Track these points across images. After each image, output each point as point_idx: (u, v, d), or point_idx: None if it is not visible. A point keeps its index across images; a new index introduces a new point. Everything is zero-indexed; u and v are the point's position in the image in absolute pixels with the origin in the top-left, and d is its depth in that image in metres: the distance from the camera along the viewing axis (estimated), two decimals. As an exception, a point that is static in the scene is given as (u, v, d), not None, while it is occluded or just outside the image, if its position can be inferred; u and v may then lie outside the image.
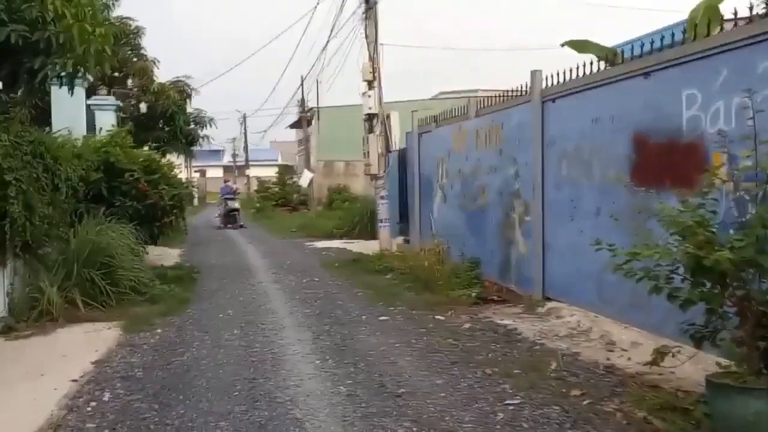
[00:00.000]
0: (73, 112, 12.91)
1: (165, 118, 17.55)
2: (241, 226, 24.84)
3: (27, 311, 7.84)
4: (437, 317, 7.71)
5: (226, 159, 74.09)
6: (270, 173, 47.85)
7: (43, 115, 13.10)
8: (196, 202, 50.38)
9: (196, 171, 62.95)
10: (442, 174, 11.47)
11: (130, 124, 16.40)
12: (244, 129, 52.55)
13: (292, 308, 8.69)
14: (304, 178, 25.72)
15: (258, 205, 33.81)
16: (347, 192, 31.25)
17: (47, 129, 10.78)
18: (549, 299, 7.75)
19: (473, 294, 8.51)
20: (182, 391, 5.30)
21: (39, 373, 5.84)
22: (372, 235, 17.91)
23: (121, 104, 16.73)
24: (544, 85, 7.93)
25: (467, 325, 7.26)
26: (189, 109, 18.62)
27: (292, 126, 39.61)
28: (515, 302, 8.20)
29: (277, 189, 36.34)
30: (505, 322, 7.24)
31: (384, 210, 13.36)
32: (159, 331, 7.50)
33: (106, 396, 5.27)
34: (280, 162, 63.46)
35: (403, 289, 9.70)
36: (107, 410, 4.94)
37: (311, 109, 27.26)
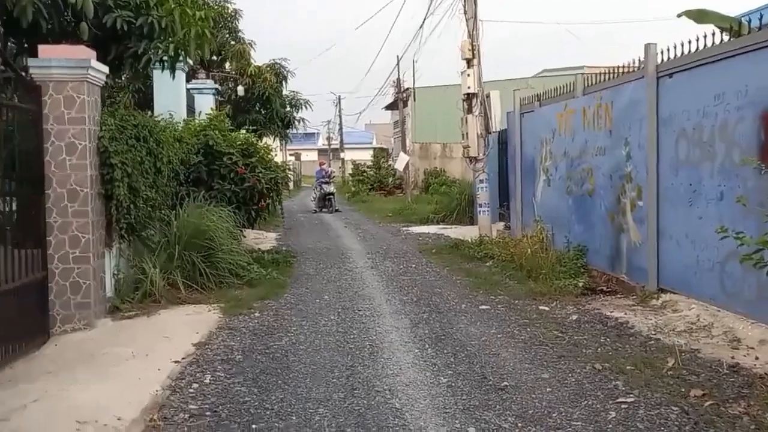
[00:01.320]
0: (174, 96, 13.25)
1: (261, 101, 17.79)
2: (336, 210, 25.04)
3: (131, 292, 8.04)
4: (541, 308, 7.36)
5: (321, 142, 75.14)
6: (364, 156, 48.20)
7: (145, 100, 13.51)
8: (291, 185, 51.51)
9: (291, 154, 64.26)
10: (545, 156, 10.97)
11: (228, 108, 16.76)
12: (339, 111, 53.01)
13: (389, 295, 8.54)
14: (400, 162, 25.57)
15: (353, 188, 34.08)
16: (444, 175, 30.91)
17: (149, 113, 11.07)
18: (664, 291, 7.19)
19: (580, 284, 8.06)
20: (281, 376, 5.26)
21: (144, 353, 5.94)
22: (470, 220, 17.62)
23: (219, 88, 17.10)
24: (659, 60, 7.32)
25: (574, 317, 6.87)
26: (285, 92, 18.81)
27: (388, 107, 39.54)
28: (626, 293, 7.71)
29: (372, 172, 36.46)
30: (616, 314, 6.80)
31: (483, 194, 12.98)
32: (257, 315, 7.53)
33: (207, 378, 5.30)
34: (374, 145, 63.85)
35: (504, 277, 9.35)
36: (208, 392, 4.96)
37: (407, 89, 26.94)
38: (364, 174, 37.03)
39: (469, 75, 12.38)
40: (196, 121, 12.27)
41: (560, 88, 10.44)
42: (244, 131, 12.25)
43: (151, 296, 8.07)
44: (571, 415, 4.22)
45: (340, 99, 56.97)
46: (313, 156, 67.13)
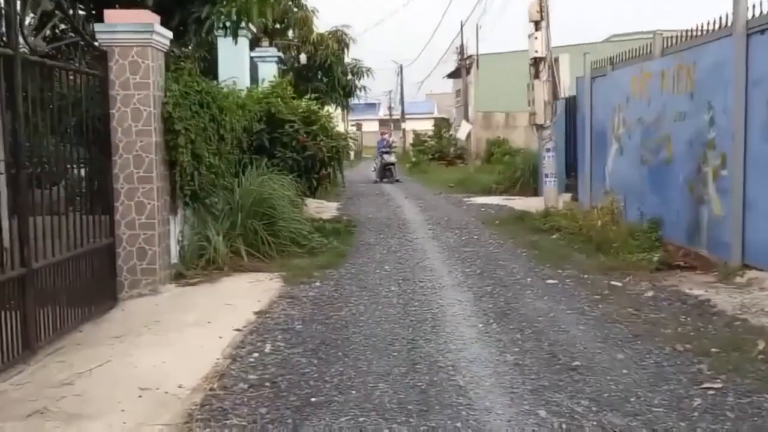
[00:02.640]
0: (238, 64, 13.21)
1: (323, 69, 17.66)
2: (397, 180, 24.85)
3: (196, 259, 8.08)
4: (613, 283, 6.97)
5: (382, 112, 74.81)
6: (426, 126, 47.67)
7: (210, 68, 13.54)
8: (352, 155, 51.52)
9: (352, 124, 64.24)
10: (618, 123, 10.44)
11: (290, 75, 16.70)
12: (400, 81, 52.55)
13: (451, 266, 8.32)
14: (462, 131, 25.07)
15: (414, 159, 33.73)
16: (507, 145, 30.25)
17: (214, 81, 11.06)
18: (749, 267, 6.70)
19: (654, 258, 7.58)
20: (341, 348, 5.15)
21: (206, 320, 5.94)
22: (534, 191, 17.16)
23: (282, 55, 17.02)
24: (750, 15, 6.75)
25: (650, 293, 6.47)
26: (346, 60, 18.61)
27: (450, 76, 38.84)
28: (706, 269, 7.21)
29: (432, 142, 36.02)
30: (696, 291, 6.36)
31: (550, 164, 12.54)
32: (317, 284, 7.44)
33: (268, 348, 5.23)
34: (435, 115, 63.16)
35: (572, 250, 8.94)
36: (268, 362, 4.89)
37: (470, 56, 26.26)
38: (425, 144, 36.61)
39: (536, 38, 11.88)
40: (260, 89, 12.20)
41: (635, 50, 9.86)
42: (305, 99, 12.10)
43: (214, 263, 8.10)
44: (651, 401, 3.92)
45: (402, 68, 56.46)
46: (374, 126, 66.91)
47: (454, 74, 37.49)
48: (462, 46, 25.75)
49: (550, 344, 5.02)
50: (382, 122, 70.90)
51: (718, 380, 4.16)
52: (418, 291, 6.98)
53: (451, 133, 37.24)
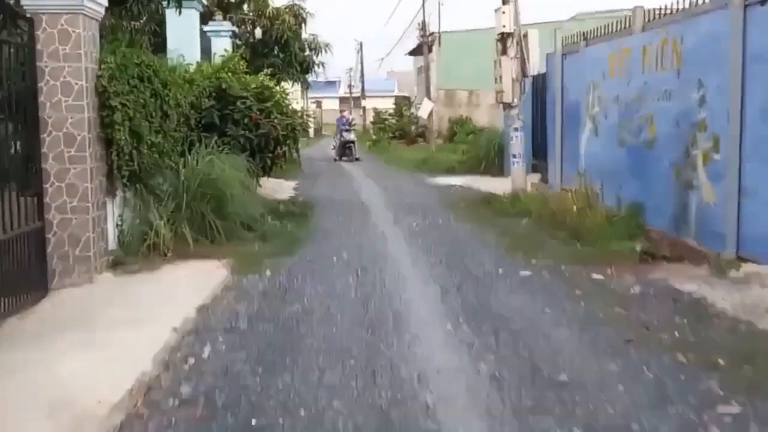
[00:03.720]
0: (187, 38, 12.30)
1: (280, 44, 16.70)
2: (357, 159, 24.11)
3: (137, 245, 7.32)
4: (594, 276, 6.34)
5: (342, 90, 73.85)
6: (386, 105, 46.90)
7: (161, 43, 12.60)
8: (312, 133, 50.47)
9: (312, 102, 63.07)
10: (592, 102, 9.86)
11: (244, 51, 15.78)
12: (360, 58, 51.65)
13: (415, 255, 7.67)
14: (424, 109, 24.30)
15: (374, 137, 32.94)
16: (470, 123, 29.75)
17: (162, 55, 10.14)
18: (744, 260, 6.13)
19: (637, 248, 6.93)
20: (290, 353, 4.49)
21: (141, 316, 5.22)
22: (499, 171, 16.65)
23: (236, 30, 16.04)
24: (747, -14, 6.17)
25: (636, 289, 5.86)
26: (304, 35, 17.69)
27: (411, 53, 37.99)
28: (695, 261, 6.55)
29: (393, 120, 35.28)
30: (688, 287, 5.72)
31: (518, 144, 11.94)
32: (268, 273, 6.73)
33: (206, 352, 4.57)
34: (396, 93, 62.37)
35: (545, 237, 8.30)
36: (206, 371, 4.22)
37: (432, 33, 25.39)
38: (386, 122, 35.86)
39: (504, 12, 11.20)
40: (211, 63, 11.27)
41: (612, 24, 9.26)
42: (261, 75, 11.24)
43: (157, 249, 7.35)
44: (658, 429, 3.29)
45: (362, 45, 55.56)
46: (335, 104, 65.85)
47: (415, 51, 36.68)
48: (424, 22, 24.87)
49: (530, 352, 4.39)
50: (343, 100, 69.97)
51: (735, 402, 3.52)
52: (379, 284, 6.32)
53: (412, 111, 36.57)
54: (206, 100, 10.04)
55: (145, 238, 7.36)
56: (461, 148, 21.14)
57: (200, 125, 10.02)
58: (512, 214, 10.14)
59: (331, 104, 69.39)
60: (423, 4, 24.38)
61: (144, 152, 7.24)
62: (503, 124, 17.41)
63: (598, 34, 9.77)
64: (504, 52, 11.59)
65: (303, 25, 17.37)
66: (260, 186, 11.63)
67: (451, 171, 18.16)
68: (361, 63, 54.73)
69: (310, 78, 19.00)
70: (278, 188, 14.04)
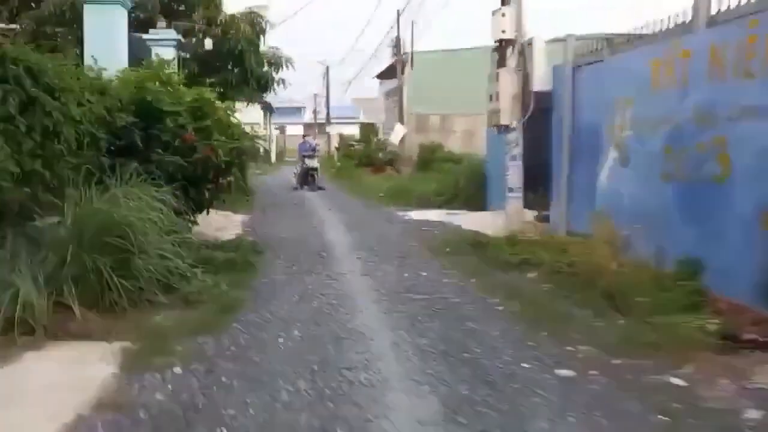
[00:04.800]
0: (109, 41, 10.11)
1: (233, 57, 14.51)
2: (320, 188, 21.90)
3: (-4, 317, 5.06)
4: (672, 380, 4.20)
5: (307, 117, 72.09)
6: (352, 131, 45.06)
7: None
8: (273, 158, 48.12)
9: (276, 128, 60.86)
10: (620, 124, 7.84)
11: (191, 63, 13.61)
12: (327, 82, 49.75)
13: (396, 333, 5.44)
14: (395, 134, 22.08)
15: (339, 164, 30.78)
16: (442, 151, 27.88)
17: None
18: None
19: (711, 327, 4.85)
20: None
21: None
22: (480, 204, 14.69)
23: (182, 39, 13.84)
24: None
25: (750, 412, 3.72)
26: (262, 48, 15.52)
27: (379, 76, 36.13)
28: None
29: (359, 147, 33.27)
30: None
31: (516, 175, 9.92)
32: (177, 371, 4.50)
33: None
34: (362, 120, 60.58)
35: (570, 304, 6.17)
36: None
37: (405, 53, 23.28)
38: (352, 148, 33.81)
39: (504, 15, 9.23)
40: (136, 70, 9.04)
41: (659, 23, 7.26)
42: (208, 90, 9.08)
43: (25, 326, 5.09)
44: None
45: (328, 70, 53.64)
46: (299, 130, 63.76)
47: (384, 75, 34.91)
48: (398, 38, 22.68)
49: None
50: (307, 126, 68.03)
51: None
52: (345, 393, 4.12)
53: (379, 137, 34.68)
54: (124, 115, 7.85)
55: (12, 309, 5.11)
56: (437, 178, 19.13)
57: (116, 148, 7.85)
58: (515, 265, 8.02)
59: (295, 130, 67.15)
60: (398, 19, 22.33)
61: (5, 185, 5.02)
62: (486, 151, 15.54)
63: (636, 36, 7.76)
64: (502, 63, 9.61)
65: (261, 36, 15.19)
66: (196, 224, 9.39)
67: (425, 204, 16.11)
68: (327, 87, 52.87)
69: (266, 96, 16.72)
70: (223, 225, 11.78)
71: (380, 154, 31.86)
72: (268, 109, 58.34)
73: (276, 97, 57.60)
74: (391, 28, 24.89)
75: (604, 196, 8.26)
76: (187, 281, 6.64)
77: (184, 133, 8.26)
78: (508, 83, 9.48)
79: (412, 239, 10.73)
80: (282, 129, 62.90)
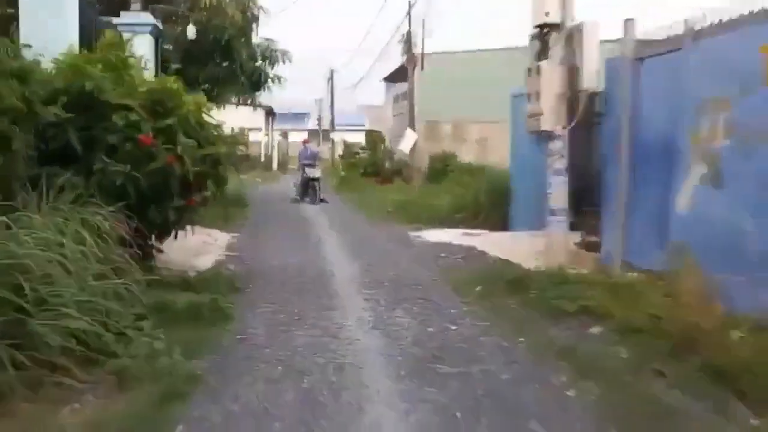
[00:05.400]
0: (55, 22, 8.09)
1: (221, 48, 12.50)
2: (322, 201, 19.87)
3: None
4: None
5: (311, 123, 70.23)
6: (357, 139, 43.30)
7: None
8: (275, 165, 46.13)
9: (280, 135, 58.94)
10: (710, 132, 5.86)
11: (172, 54, 11.62)
12: (331, 87, 47.91)
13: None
14: (406, 141, 19.85)
15: (343, 173, 28.75)
16: (455, 160, 25.88)
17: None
18: None
19: None
20: None
21: None
22: (502, 223, 12.68)
23: (159, 26, 11.85)
24: None
25: None
26: (255, 39, 13.51)
27: (388, 78, 34.07)
28: None
29: (365, 155, 31.29)
30: None
31: (560, 193, 7.92)
32: None
33: None
34: (367, 127, 58.70)
35: (665, 384, 4.20)
36: None
37: (414, 55, 21.06)
38: (357, 156, 31.82)
39: (548, -6, 7.23)
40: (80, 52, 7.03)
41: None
42: (171, 79, 7.04)
43: None
44: None
45: (332, 73, 51.81)
46: (303, 137, 61.81)
47: (392, 77, 32.97)
48: (409, 33, 20.37)
49: None
50: (312, 133, 66.26)
51: None
52: None
53: (386, 145, 32.73)
54: (55, 109, 5.87)
55: None
56: (450, 191, 17.10)
57: (42, 153, 5.88)
58: (571, 315, 5.99)
59: (299, 137, 65.22)
60: (409, 10, 20.03)
61: None
62: (510, 161, 13.54)
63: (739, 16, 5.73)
64: (544, 54, 7.62)
65: (254, 26, 13.18)
66: (160, 252, 7.39)
67: (440, 221, 14.09)
68: (332, 92, 50.97)
69: (259, 94, 14.61)
70: (203, 248, 9.76)
71: (387, 164, 29.90)
72: (269, 113, 56.46)
73: (279, 102, 55.70)
74: (400, 25, 22.78)
75: (685, 226, 6.22)
76: (126, 343, 4.64)
77: (139, 134, 6.26)
78: (552, 79, 7.49)
79: (431, 270, 8.69)
80: (285, 135, 61.01)
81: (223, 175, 7.23)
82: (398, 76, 31.38)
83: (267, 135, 55.68)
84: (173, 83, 6.74)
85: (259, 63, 13.47)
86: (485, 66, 29.26)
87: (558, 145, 7.87)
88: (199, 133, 6.89)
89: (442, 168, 25.38)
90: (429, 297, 7.07)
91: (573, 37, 7.64)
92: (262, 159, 48.03)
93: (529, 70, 8.09)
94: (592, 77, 7.70)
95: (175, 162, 6.42)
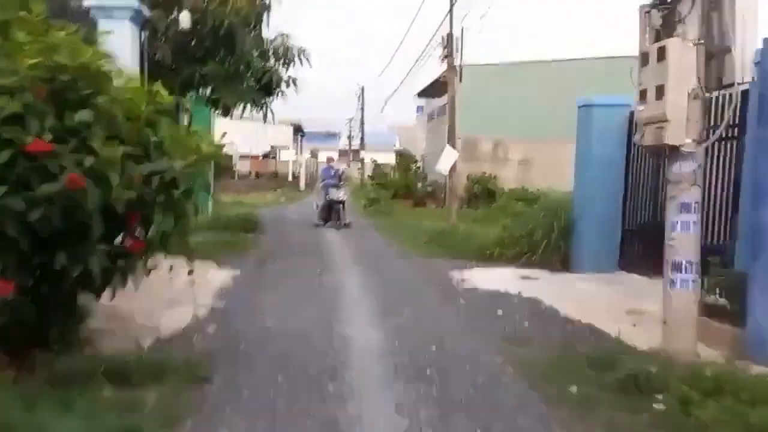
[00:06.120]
0: None
1: (222, 41, 10.03)
2: (346, 225, 17.35)
3: None
4: None
5: (343, 143, 68.42)
6: (387, 159, 41.15)
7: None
8: (302, 185, 43.87)
9: (309, 153, 56.90)
10: None
11: (161, 48, 9.26)
12: (362, 104, 45.75)
13: None
14: (445, 159, 16.92)
15: (372, 195, 26.20)
16: (493, 183, 23.41)
17: None
18: None
19: None
20: None
21: None
22: (563, 260, 10.36)
23: (145, 12, 9.48)
24: None
25: None
26: (265, 33, 11.06)
27: (422, 93, 31.55)
28: None
29: (396, 175, 28.85)
30: None
31: (689, 241, 5.24)
32: None
33: None
34: (398, 148, 56.47)
35: None
36: None
37: (453, 61, 18.36)
38: (387, 177, 29.39)
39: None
40: None
41: None
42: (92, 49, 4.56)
43: None
44: None
45: (363, 90, 49.77)
46: (335, 157, 59.70)
47: (427, 92, 30.58)
48: (450, 35, 17.62)
49: None
50: (342, 153, 64.37)
51: None
52: None
53: (417, 165, 30.31)
54: None
55: None
56: (498, 219, 14.47)
57: None
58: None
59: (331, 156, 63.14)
60: (451, 9, 17.30)
61: None
62: (576, 186, 10.92)
63: None
64: (669, 28, 5.01)
65: (265, 15, 10.70)
66: (92, 315, 4.90)
67: (486, 257, 11.47)
68: (362, 109, 48.89)
69: (271, 100, 11.98)
70: (184, 293, 7.16)
71: (419, 185, 27.44)
72: (298, 130, 54.21)
73: (309, 120, 53.50)
74: (432, 38, 20.23)
75: None
76: None
77: (26, 137, 3.78)
78: (684, 66, 4.86)
79: (490, 343, 6.01)
80: (314, 154, 58.96)
81: (181, 203, 4.69)
82: (433, 90, 28.91)
83: (296, 153, 53.65)
84: (96, 54, 4.22)
85: (272, 63, 10.99)
86: (529, 79, 26.72)
87: (689, 167, 5.19)
88: (142, 135, 4.38)
89: (483, 191, 22.86)
90: (497, 403, 4.43)
91: (721, 3, 4.99)
92: (290, 178, 45.89)
93: (644, 55, 5.43)
94: (747, 66, 5.03)
95: (82, 184, 3.91)
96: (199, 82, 9.69)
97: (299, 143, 57.30)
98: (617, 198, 10.01)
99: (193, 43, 9.76)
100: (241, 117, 16.13)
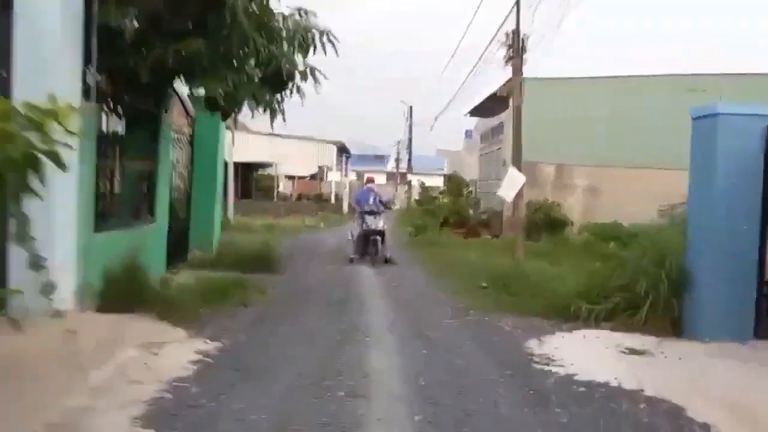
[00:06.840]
0: None
1: (210, 10, 7.21)
2: (387, 260, 14.36)
3: None
4: None
5: (391, 166, 66.19)
6: (435, 183, 38.32)
7: None
8: (345, 208, 41.17)
9: (356, 176, 54.45)
10: None
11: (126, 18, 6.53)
12: (410, 124, 42.97)
13: None
14: (510, 184, 13.68)
15: (419, 222, 23.10)
16: (558, 211, 20.24)
17: None
18: None
19: None
20: None
21: None
22: (672, 323, 7.52)
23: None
24: None
25: None
26: (277, 6, 8.22)
27: (474, 112, 28.62)
28: None
29: (446, 200, 25.81)
30: None
31: None
32: None
33: None
34: (446, 171, 53.56)
35: None
36: None
37: (517, 71, 15.24)
38: (436, 201, 26.35)
39: None
40: None
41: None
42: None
43: None
44: None
45: (411, 110, 47.05)
46: (382, 180, 57.30)
47: (479, 110, 27.63)
48: (517, 31, 14.41)
49: None
50: (390, 176, 62.03)
51: None
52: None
53: (469, 188, 27.32)
54: None
55: None
56: (578, 261, 11.31)
57: None
58: None
59: (378, 180, 60.99)
60: (517, 2, 14.26)
61: None
62: (690, 221, 7.79)
63: None
64: None
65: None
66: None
67: (567, 313, 8.34)
68: (410, 129, 46.10)
69: (285, 99, 8.86)
70: (102, 393, 4.21)
71: (472, 212, 24.36)
72: (342, 150, 51.56)
73: (356, 143, 50.86)
74: (491, 40, 17.21)
75: None
76: None
77: None
78: None
79: None
80: (359, 175, 56.42)
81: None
82: (487, 108, 25.92)
83: (341, 175, 51.22)
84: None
85: (286, 48, 8.17)
86: (596, 97, 23.63)
87: None
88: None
89: (546, 220, 19.69)
90: None
91: None
92: (333, 200, 43.24)
93: None
94: None
95: None
96: (173, 65, 6.88)
97: (344, 164, 54.94)
98: (752, 238, 7.06)
99: (170, 13, 6.97)
100: (272, 130, 13.38)
